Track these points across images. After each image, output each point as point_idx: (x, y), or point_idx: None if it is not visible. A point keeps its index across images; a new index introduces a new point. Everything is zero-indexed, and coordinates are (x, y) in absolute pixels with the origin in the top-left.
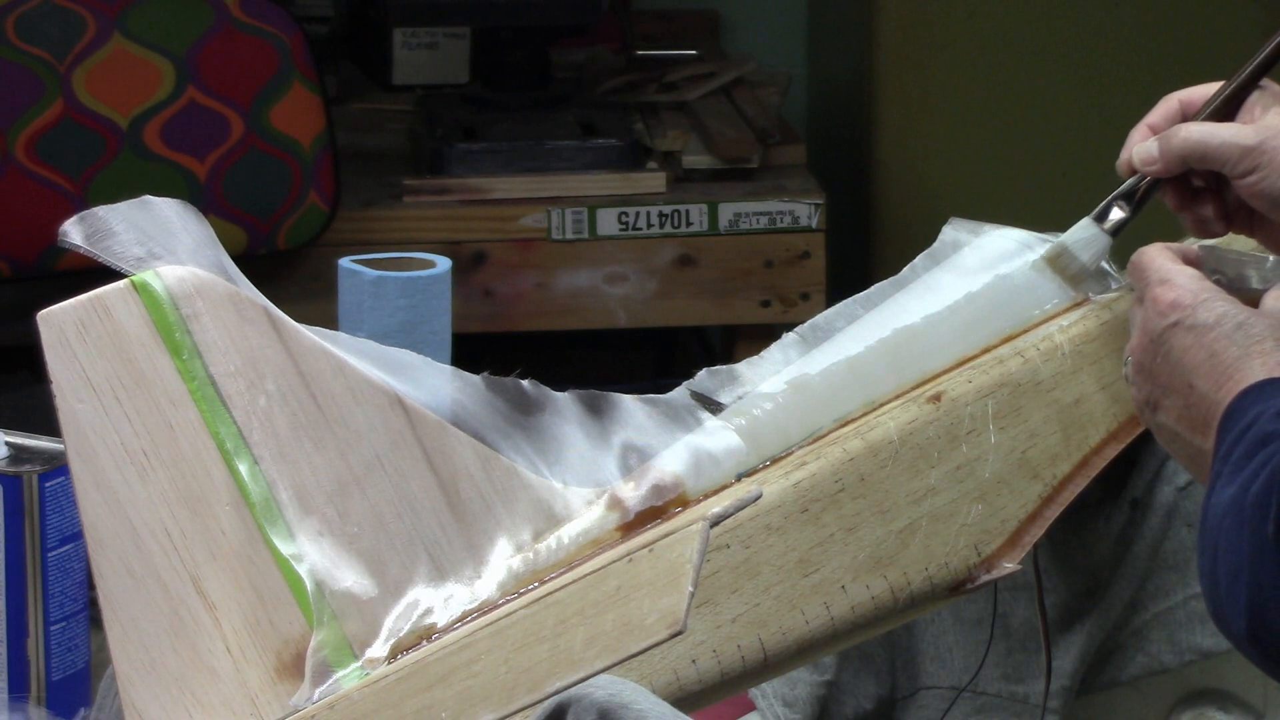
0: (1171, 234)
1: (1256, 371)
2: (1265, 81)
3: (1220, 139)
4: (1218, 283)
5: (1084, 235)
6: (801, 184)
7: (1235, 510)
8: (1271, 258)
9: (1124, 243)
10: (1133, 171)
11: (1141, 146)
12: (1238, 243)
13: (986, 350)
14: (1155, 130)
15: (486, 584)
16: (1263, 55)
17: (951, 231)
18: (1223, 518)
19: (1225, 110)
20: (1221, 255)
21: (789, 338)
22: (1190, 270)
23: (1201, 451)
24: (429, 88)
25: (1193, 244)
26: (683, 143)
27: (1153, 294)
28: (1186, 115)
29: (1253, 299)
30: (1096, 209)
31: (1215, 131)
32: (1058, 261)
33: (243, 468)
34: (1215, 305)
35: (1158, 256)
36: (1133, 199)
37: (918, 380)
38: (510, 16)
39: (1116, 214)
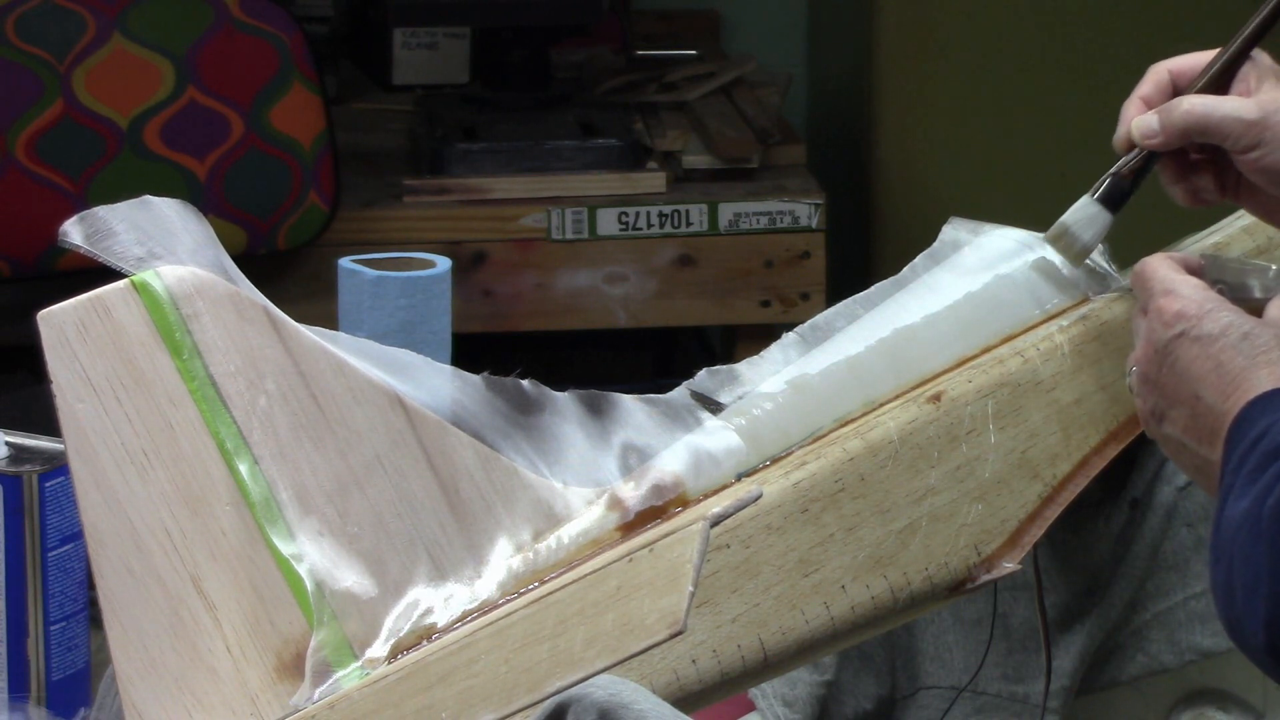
0: (1165, 235)
1: (1264, 382)
2: (1255, 52)
3: (1223, 113)
4: (1220, 292)
5: (1085, 214)
6: (801, 184)
7: (1251, 523)
8: (1274, 267)
9: (1124, 246)
10: (1130, 146)
11: (1141, 119)
12: (1235, 245)
13: (986, 350)
14: (1149, 102)
15: (486, 584)
16: (1254, 25)
17: (951, 231)
18: (1237, 530)
19: (1220, 82)
20: (1223, 264)
21: (789, 338)
22: (1194, 280)
23: (1209, 462)
24: (429, 88)
25: (1192, 245)
26: (683, 143)
27: (1157, 305)
28: (1178, 86)
29: (1255, 308)
30: (1095, 186)
31: (1217, 105)
32: (1060, 242)
33: (243, 467)
34: (1220, 316)
35: (1161, 267)
36: (1131, 174)
37: (918, 380)
38: (510, 16)
39: (1116, 190)
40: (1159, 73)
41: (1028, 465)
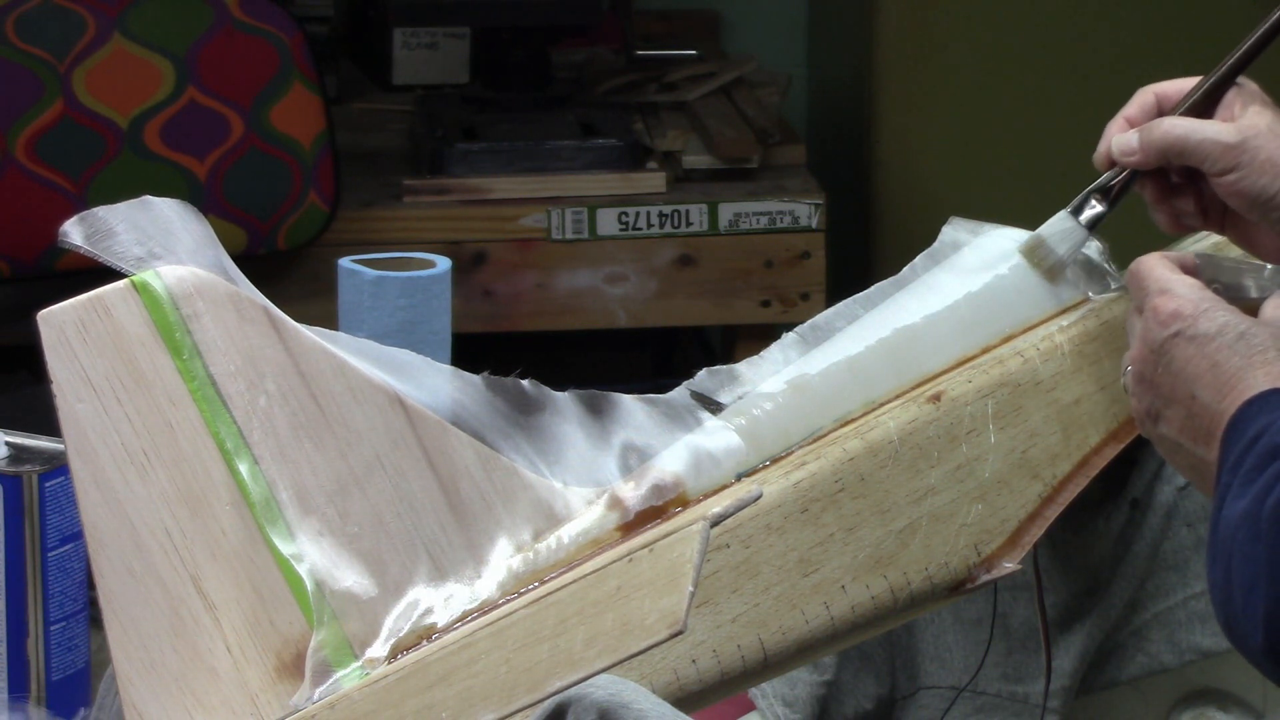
0: (1163, 234)
1: (1260, 382)
2: (1242, 79)
3: (1201, 135)
4: (1216, 292)
5: (1061, 228)
6: (801, 184)
7: (1250, 523)
8: (1269, 266)
9: (1123, 245)
10: (1110, 163)
11: (1120, 138)
12: (1232, 245)
13: (986, 350)
14: (1132, 123)
15: (486, 584)
16: (1242, 51)
17: (951, 231)
18: (1236, 530)
19: (1203, 106)
20: (1219, 264)
21: (789, 338)
22: (1190, 280)
23: (1204, 462)
24: (429, 88)
25: (1189, 244)
26: (683, 143)
27: (1153, 304)
28: (1163, 109)
29: (1250, 307)
30: (1073, 202)
31: (1197, 128)
32: (1034, 254)
33: (243, 467)
34: (1216, 315)
35: (1156, 266)
36: (1110, 192)
37: (918, 380)
38: (510, 16)
39: (1094, 207)
40: (1145, 95)
41: (1028, 465)
